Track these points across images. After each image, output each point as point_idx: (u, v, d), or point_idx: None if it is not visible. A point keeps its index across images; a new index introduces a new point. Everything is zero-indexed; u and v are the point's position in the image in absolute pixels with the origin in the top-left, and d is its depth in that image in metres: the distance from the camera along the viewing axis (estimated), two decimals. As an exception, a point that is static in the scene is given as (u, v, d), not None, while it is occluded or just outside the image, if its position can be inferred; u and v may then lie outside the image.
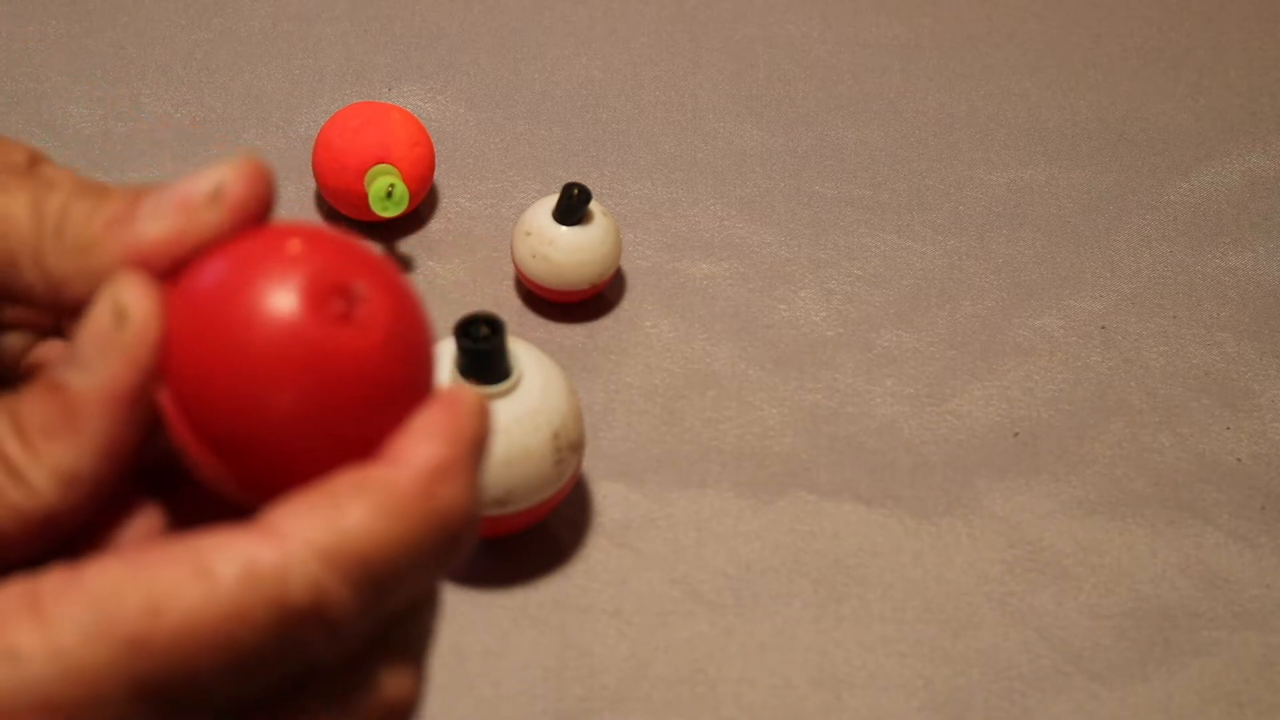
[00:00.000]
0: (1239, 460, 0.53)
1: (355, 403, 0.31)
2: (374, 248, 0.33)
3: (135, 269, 0.31)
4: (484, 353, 0.44)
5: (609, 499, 0.50)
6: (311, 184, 0.59)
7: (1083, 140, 0.63)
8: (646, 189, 0.60)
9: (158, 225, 0.31)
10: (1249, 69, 0.67)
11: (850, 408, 0.53)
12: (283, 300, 0.30)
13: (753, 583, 0.49)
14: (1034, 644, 0.47)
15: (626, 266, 0.57)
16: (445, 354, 0.46)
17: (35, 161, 0.37)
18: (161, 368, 0.32)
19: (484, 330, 0.44)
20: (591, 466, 0.51)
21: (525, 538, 0.49)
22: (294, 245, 0.31)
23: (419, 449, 0.30)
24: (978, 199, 0.61)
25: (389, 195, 0.53)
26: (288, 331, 0.30)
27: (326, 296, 0.30)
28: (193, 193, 0.31)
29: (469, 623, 0.47)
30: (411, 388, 0.32)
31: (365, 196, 0.54)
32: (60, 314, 0.37)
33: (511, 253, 0.55)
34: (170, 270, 0.31)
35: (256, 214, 0.31)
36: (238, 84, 0.63)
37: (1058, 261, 0.59)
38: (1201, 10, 0.69)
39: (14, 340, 0.39)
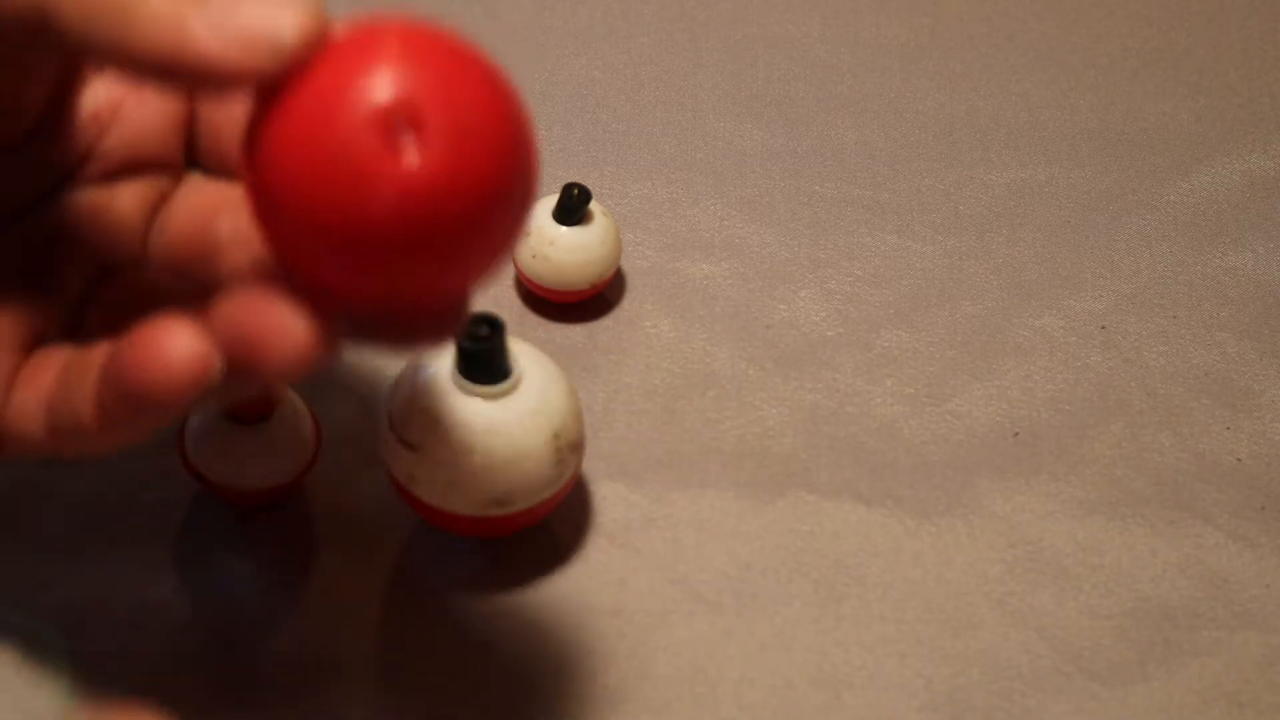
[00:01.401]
0: (1239, 460, 0.53)
1: (385, 237, 0.30)
2: (486, 63, 0.32)
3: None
4: (484, 353, 0.44)
5: (609, 499, 0.50)
6: (311, 184, 0.59)
7: (1083, 140, 0.63)
8: (646, 189, 0.60)
9: (216, 45, 0.30)
10: (1249, 69, 0.67)
11: (850, 408, 0.53)
12: (334, 124, 0.29)
13: (753, 583, 0.49)
14: (1034, 644, 0.47)
15: (626, 266, 0.57)
16: (445, 354, 0.46)
17: None
18: (247, 140, 0.31)
19: (484, 330, 0.44)
20: (591, 466, 0.51)
21: (525, 538, 0.49)
22: (379, 55, 0.30)
23: None
24: (978, 199, 0.61)
25: (389, 195, 0.53)
26: (332, 150, 0.29)
27: (381, 123, 0.29)
28: (262, 33, 0.30)
29: (469, 623, 0.47)
30: (467, 234, 0.30)
31: (365, 196, 0.54)
32: (80, 65, 0.36)
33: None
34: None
35: (312, 59, 0.30)
36: (238, 84, 0.63)
37: (1058, 261, 0.59)
38: (1201, 10, 0.69)
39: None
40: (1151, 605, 0.49)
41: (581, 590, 0.48)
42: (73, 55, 0.32)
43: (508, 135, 0.31)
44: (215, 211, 0.38)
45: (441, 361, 0.45)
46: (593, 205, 0.53)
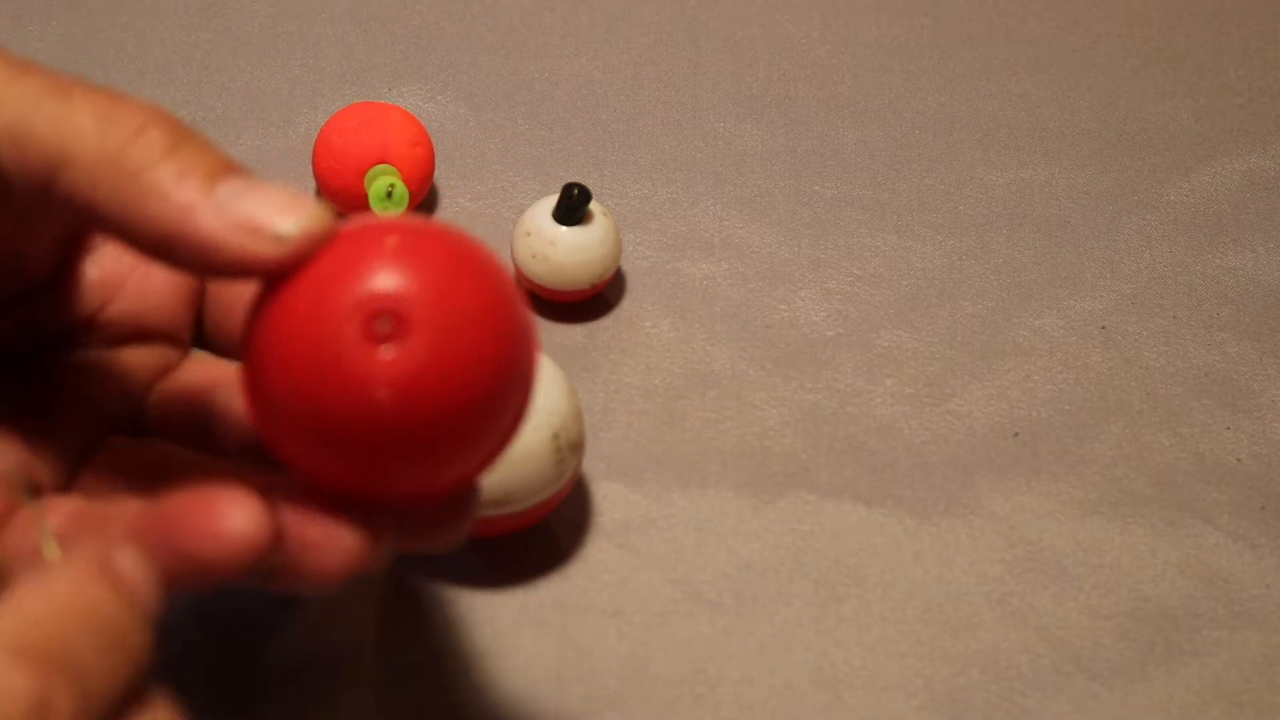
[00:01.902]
0: (1239, 460, 0.53)
1: (366, 430, 0.30)
2: (478, 253, 0.32)
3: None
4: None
5: (609, 499, 0.50)
6: (311, 184, 0.59)
7: (1083, 140, 0.63)
8: (646, 189, 0.60)
9: (221, 229, 0.30)
10: (1249, 69, 0.67)
11: (850, 408, 0.53)
12: (319, 317, 0.30)
13: (753, 583, 0.49)
14: (1034, 644, 0.47)
15: (626, 266, 0.57)
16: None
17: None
18: (245, 326, 0.31)
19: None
20: (591, 466, 0.51)
21: (525, 538, 0.49)
22: (365, 253, 0.30)
23: (81, 554, 0.29)
24: (978, 199, 0.61)
25: (389, 195, 0.53)
26: (316, 347, 0.30)
27: (364, 318, 0.30)
28: (267, 223, 0.30)
29: (468, 623, 0.47)
30: (451, 431, 0.31)
31: (365, 196, 0.55)
32: (83, 231, 0.36)
33: (511, 253, 0.55)
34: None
35: (312, 255, 0.30)
36: (238, 84, 0.63)
37: (1058, 261, 0.59)
38: (1201, 10, 0.69)
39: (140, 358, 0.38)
40: (1151, 605, 0.49)
41: (581, 590, 0.48)
42: (79, 219, 0.31)
43: (497, 335, 0.31)
44: (214, 384, 0.37)
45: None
46: (593, 205, 0.53)
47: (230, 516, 0.29)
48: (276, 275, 0.30)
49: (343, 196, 0.55)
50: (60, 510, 0.34)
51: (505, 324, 0.31)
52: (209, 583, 0.31)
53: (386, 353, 0.30)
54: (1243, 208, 0.61)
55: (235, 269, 0.30)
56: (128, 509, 0.33)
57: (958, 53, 0.67)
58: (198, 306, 0.39)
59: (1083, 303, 0.57)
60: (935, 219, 0.60)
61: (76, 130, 0.30)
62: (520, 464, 0.45)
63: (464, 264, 0.31)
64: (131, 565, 0.30)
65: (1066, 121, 0.64)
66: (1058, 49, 0.67)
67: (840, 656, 0.47)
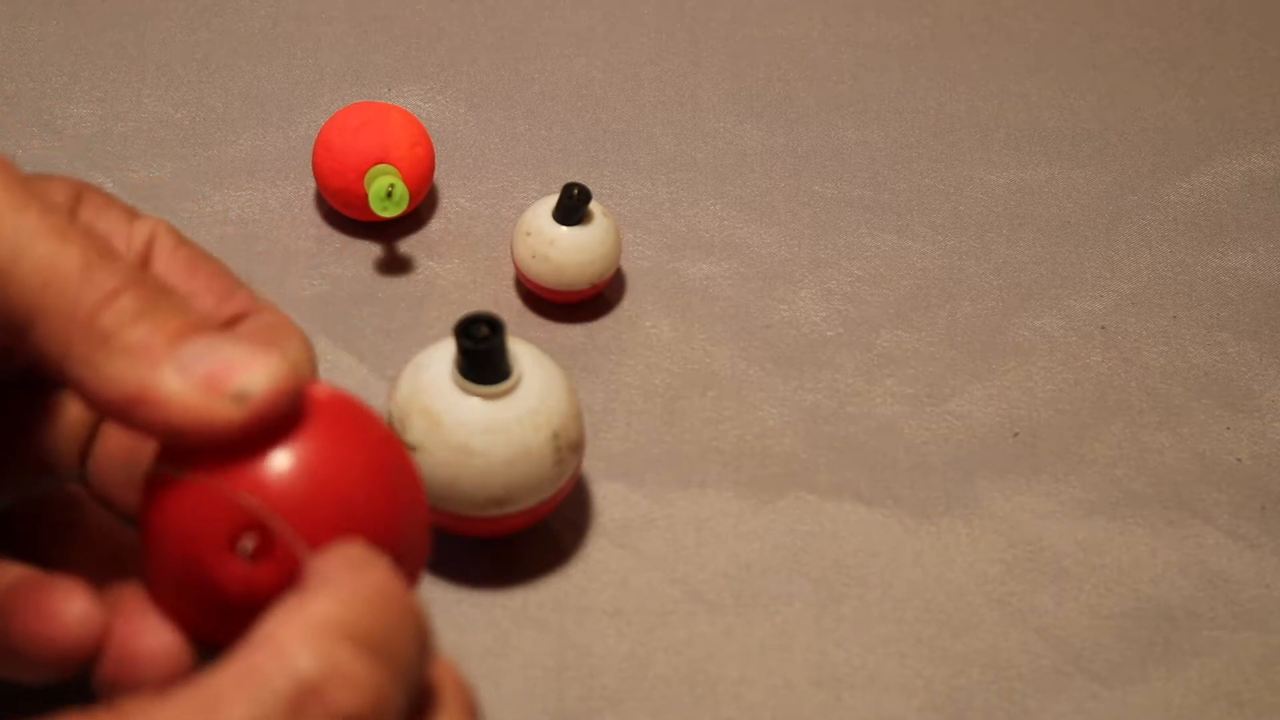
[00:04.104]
0: (1239, 460, 0.53)
1: (236, 621, 0.31)
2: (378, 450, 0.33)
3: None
4: (484, 353, 0.44)
5: (609, 499, 0.50)
6: (311, 184, 0.59)
7: (1083, 140, 0.63)
8: (646, 189, 0.60)
9: (180, 389, 0.29)
10: (1249, 69, 0.67)
11: (850, 408, 0.53)
12: (199, 534, 0.31)
13: (753, 583, 0.49)
14: (1034, 644, 0.47)
15: (626, 266, 0.57)
16: (445, 354, 0.46)
17: (80, 198, 0.36)
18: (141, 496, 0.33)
19: (484, 330, 0.44)
20: (591, 466, 0.51)
21: (525, 538, 0.49)
22: (246, 459, 0.31)
23: (327, 556, 0.30)
24: (978, 199, 0.61)
25: (389, 195, 0.53)
26: (198, 564, 0.31)
27: (237, 535, 0.31)
28: (227, 381, 0.29)
29: (469, 623, 0.47)
30: None
31: (365, 196, 0.54)
32: (45, 378, 0.36)
33: (511, 253, 0.55)
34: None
35: (276, 419, 0.30)
36: (238, 84, 0.63)
37: (1058, 261, 0.59)
38: (1201, 10, 0.69)
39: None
40: (1151, 605, 0.49)
41: (581, 590, 0.48)
42: (47, 370, 0.31)
43: (373, 529, 0.32)
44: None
45: (442, 362, 0.45)
46: (593, 205, 0.53)
47: (62, 612, 0.31)
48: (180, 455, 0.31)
49: (343, 196, 0.55)
50: None
51: (387, 516, 0.32)
52: (41, 672, 0.31)
53: (245, 565, 0.31)
54: (1243, 208, 0.61)
55: (196, 431, 0.29)
56: (6, 577, 0.33)
57: (958, 53, 0.67)
58: None
59: (1083, 303, 0.57)
60: (935, 219, 0.60)
61: (59, 284, 0.30)
62: (520, 464, 0.45)
63: (354, 451, 0.32)
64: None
65: (1066, 121, 0.64)
66: (1058, 49, 0.67)
67: (840, 656, 0.47)
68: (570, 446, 0.46)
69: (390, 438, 0.34)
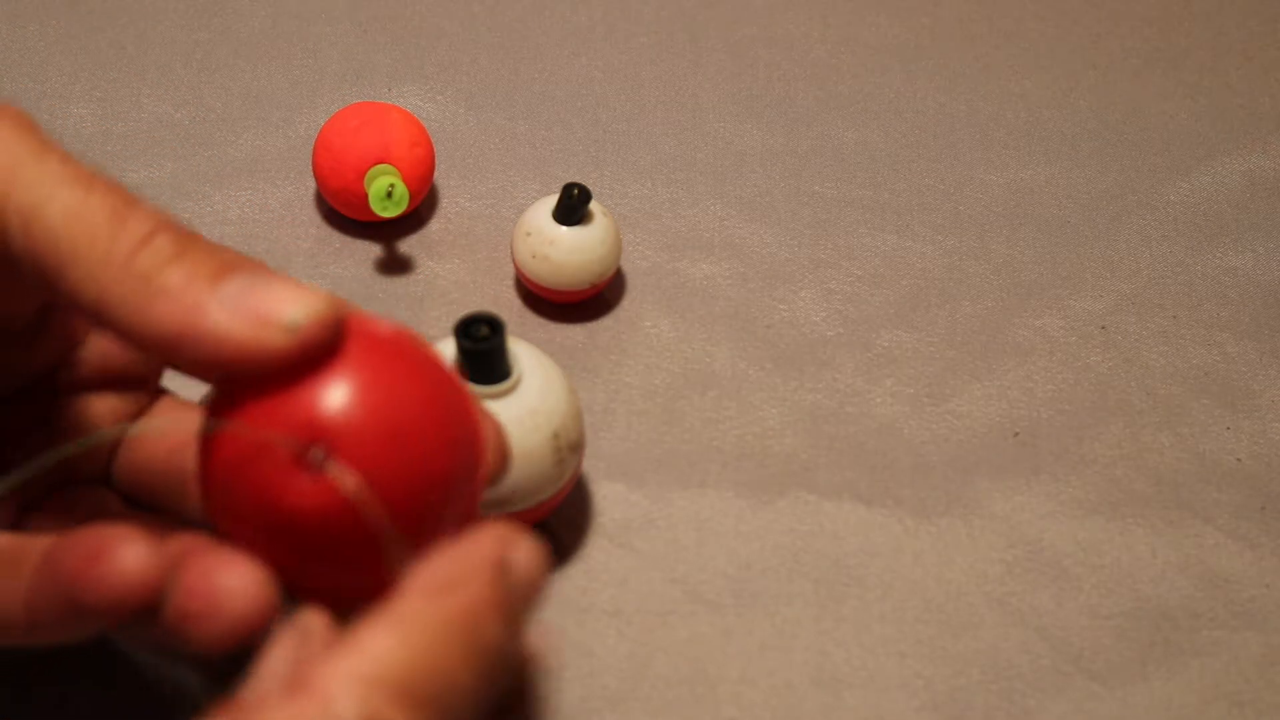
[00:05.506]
0: (1239, 460, 0.53)
1: (313, 553, 0.31)
2: (430, 364, 0.33)
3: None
4: (484, 353, 0.44)
5: (609, 499, 0.50)
6: (311, 184, 0.59)
7: (1083, 140, 0.63)
8: (646, 189, 0.60)
9: (228, 322, 0.30)
10: (1249, 69, 0.67)
11: (850, 408, 0.53)
12: (257, 442, 0.31)
13: (753, 583, 0.49)
14: (1034, 644, 0.47)
15: (626, 266, 0.57)
16: (445, 354, 0.46)
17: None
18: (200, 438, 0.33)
19: (484, 330, 0.44)
20: (591, 466, 0.51)
21: (525, 538, 0.49)
22: (308, 378, 0.31)
23: (423, 570, 0.30)
24: (978, 199, 0.61)
25: (389, 195, 0.53)
26: (247, 478, 0.31)
27: (297, 447, 0.31)
28: (274, 312, 0.30)
29: (469, 623, 0.47)
30: (400, 538, 0.32)
31: (365, 196, 0.55)
32: (86, 324, 0.36)
33: (511, 253, 0.55)
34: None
35: (323, 348, 0.30)
36: (238, 84, 0.63)
37: (1058, 261, 0.59)
38: (1201, 10, 0.69)
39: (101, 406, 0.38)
40: (1151, 605, 0.49)
41: (581, 590, 0.48)
42: (79, 313, 0.31)
43: (429, 453, 0.32)
44: (186, 444, 0.37)
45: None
46: (593, 205, 0.53)
47: (119, 555, 0.30)
48: (235, 383, 0.31)
49: (343, 196, 0.55)
50: None
51: (441, 440, 0.32)
52: (95, 622, 0.31)
53: (315, 480, 0.31)
54: (1243, 208, 0.61)
55: (246, 361, 0.30)
56: (41, 543, 0.33)
57: (958, 53, 0.67)
58: None
59: (1083, 303, 0.57)
60: (935, 219, 0.60)
61: (88, 229, 0.30)
62: (520, 464, 0.45)
63: (407, 381, 0.32)
64: (526, 558, 0.31)
65: (1066, 121, 0.64)
66: (1058, 49, 0.67)
67: (840, 656, 0.47)
68: (570, 446, 0.46)
69: (442, 368, 0.33)
